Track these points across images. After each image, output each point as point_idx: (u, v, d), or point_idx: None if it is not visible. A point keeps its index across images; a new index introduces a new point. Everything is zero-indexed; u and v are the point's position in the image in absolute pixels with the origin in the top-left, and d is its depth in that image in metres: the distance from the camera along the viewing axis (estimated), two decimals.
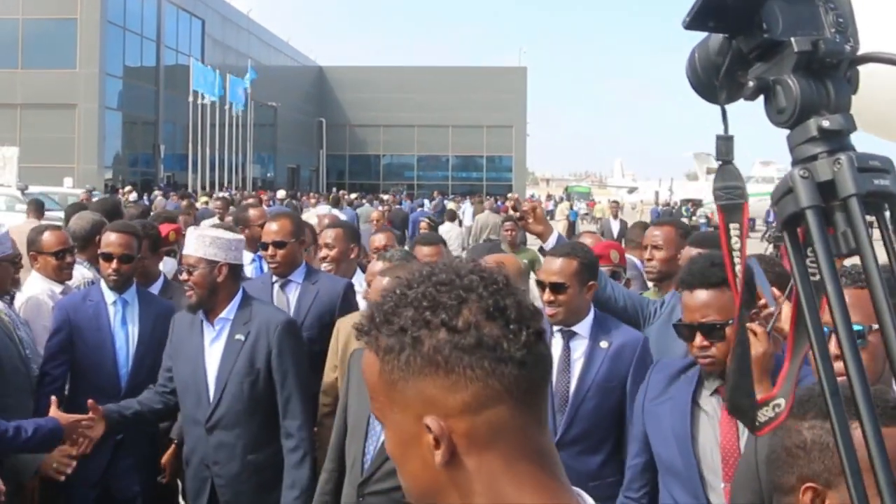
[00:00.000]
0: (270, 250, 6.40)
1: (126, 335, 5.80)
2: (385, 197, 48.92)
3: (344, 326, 5.74)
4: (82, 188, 38.75)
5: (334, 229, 7.36)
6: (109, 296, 5.82)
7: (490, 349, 1.56)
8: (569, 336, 4.87)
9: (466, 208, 47.26)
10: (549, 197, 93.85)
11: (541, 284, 4.87)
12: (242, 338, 5.24)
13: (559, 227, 46.40)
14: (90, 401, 5.13)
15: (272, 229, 6.49)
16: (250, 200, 16.14)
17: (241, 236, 5.87)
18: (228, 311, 5.31)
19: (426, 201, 53.78)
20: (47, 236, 6.47)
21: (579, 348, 4.86)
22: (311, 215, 13.83)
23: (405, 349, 1.58)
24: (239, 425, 5.22)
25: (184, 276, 5.25)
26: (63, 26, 53.13)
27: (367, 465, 4.37)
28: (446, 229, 23.40)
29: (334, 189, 49.26)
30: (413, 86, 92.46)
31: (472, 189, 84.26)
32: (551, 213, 56.34)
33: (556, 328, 4.88)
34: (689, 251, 5.37)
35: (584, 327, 4.90)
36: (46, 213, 26.68)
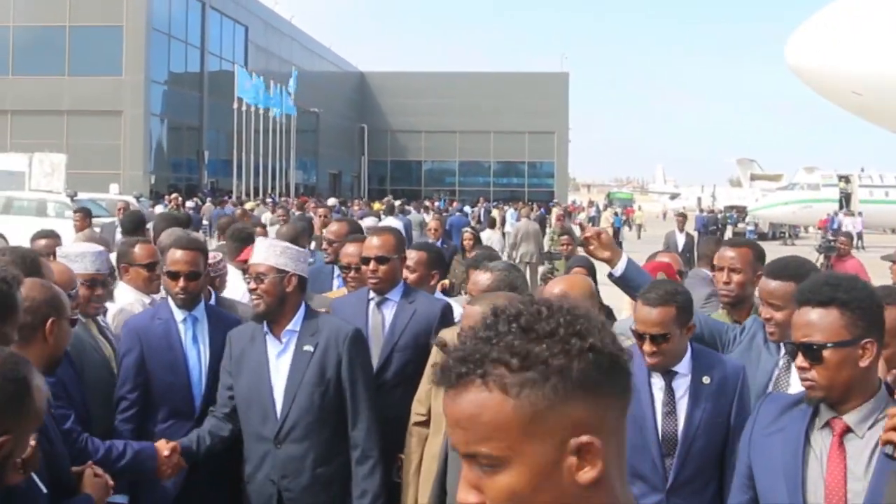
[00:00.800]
0: (372, 265, 6.09)
1: (198, 354, 5.65)
2: (428, 204, 48.85)
3: (447, 337, 5.43)
4: (128, 194, 39.07)
5: (417, 252, 6.97)
6: (178, 314, 5.65)
7: (623, 369, 1.70)
8: (670, 377, 4.71)
9: (509, 214, 47.29)
10: (590, 203, 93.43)
11: (639, 336, 4.63)
12: (311, 349, 5.18)
13: None
14: (168, 443, 5.07)
15: (374, 244, 6.18)
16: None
17: (307, 250, 5.75)
18: (294, 323, 5.23)
19: (467, 207, 53.84)
20: (139, 249, 6.39)
21: (682, 387, 4.70)
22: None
23: (550, 378, 1.64)
24: (309, 437, 5.15)
25: (252, 284, 5.20)
26: (109, 34, 53.68)
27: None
28: (486, 236, 23.43)
29: (389, 196, 49.13)
30: (455, 92, 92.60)
31: (514, 195, 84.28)
32: (595, 220, 56.13)
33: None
34: (767, 283, 5.02)
35: (684, 365, 4.73)
36: (94, 219, 27.17)
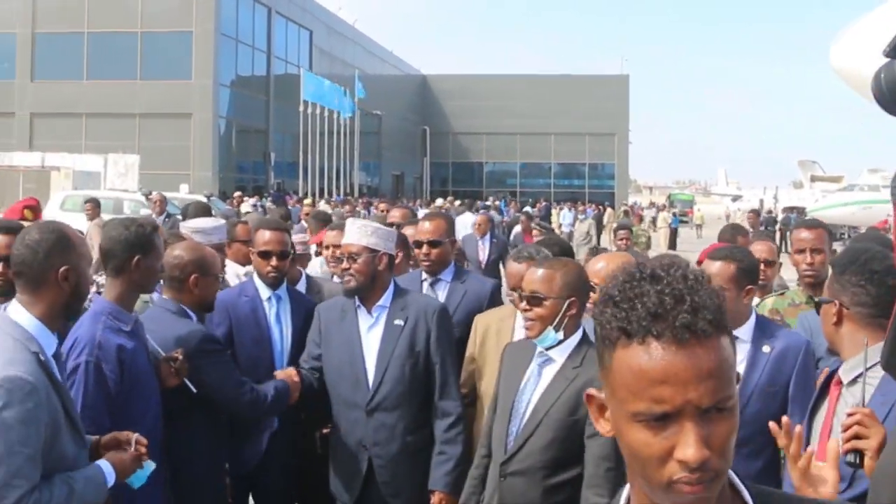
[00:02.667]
0: (425, 248, 6.46)
1: (280, 331, 5.90)
2: (489, 203, 49.46)
3: (482, 321, 5.88)
4: (198, 194, 40.20)
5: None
6: (264, 291, 5.92)
7: None
8: None
9: (565, 214, 47.98)
10: (651, 204, 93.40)
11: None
12: (402, 323, 5.40)
13: (661, 234, 46.75)
14: (295, 370, 5.57)
15: (427, 228, 6.55)
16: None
17: (394, 230, 5.99)
18: (385, 300, 5.47)
19: (528, 208, 54.48)
20: (240, 228, 7.53)
21: (741, 352, 4.72)
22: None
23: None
24: (400, 407, 5.37)
25: (345, 263, 5.41)
26: (179, 39, 54.67)
27: (511, 445, 4.49)
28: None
29: (468, 200, 49.54)
30: (515, 94, 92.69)
31: (574, 196, 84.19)
32: (653, 221, 56.44)
33: None
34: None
35: (745, 331, 4.83)
36: (170, 217, 28.30)
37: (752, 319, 4.92)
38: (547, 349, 4.53)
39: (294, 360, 5.80)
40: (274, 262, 5.88)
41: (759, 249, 6.77)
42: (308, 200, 36.79)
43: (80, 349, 4.37)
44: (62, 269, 3.79)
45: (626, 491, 1.92)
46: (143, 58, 55.82)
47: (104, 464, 3.88)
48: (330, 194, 54.84)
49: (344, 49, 76.71)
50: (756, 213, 25.34)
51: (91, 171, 38.24)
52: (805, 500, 2.41)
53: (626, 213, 44.97)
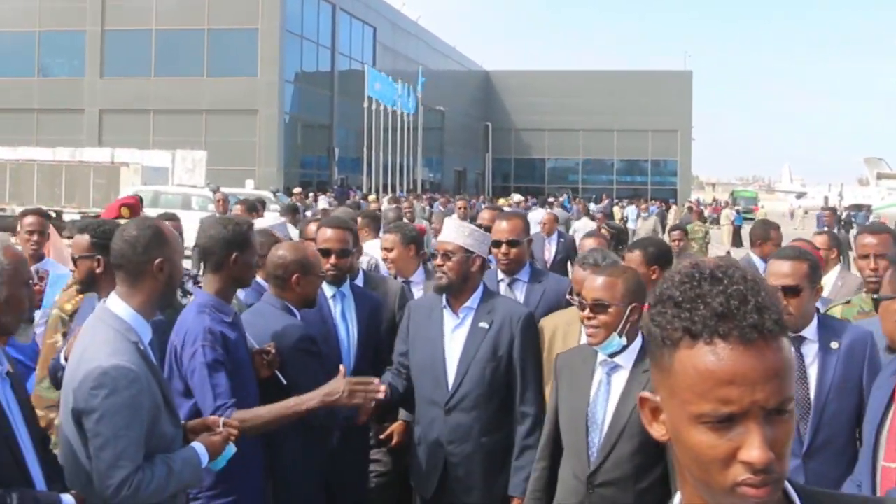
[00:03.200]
0: (503, 248, 6.41)
1: (346, 328, 5.92)
2: (552, 200, 49.43)
3: (549, 324, 5.79)
4: (263, 189, 40.59)
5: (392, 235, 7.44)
6: (328, 289, 5.90)
7: None
8: (799, 342, 4.73)
9: (631, 211, 47.78)
10: (714, 201, 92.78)
11: None
12: (487, 326, 5.41)
13: (724, 231, 46.41)
14: (381, 384, 5.18)
15: (504, 227, 6.48)
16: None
17: (489, 234, 5.98)
18: (473, 301, 5.49)
19: (591, 204, 54.37)
20: (312, 225, 7.64)
21: (811, 353, 4.74)
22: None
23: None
24: (477, 408, 5.40)
25: (438, 261, 5.44)
26: (245, 36, 55.34)
27: (595, 457, 4.44)
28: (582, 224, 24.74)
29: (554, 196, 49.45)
30: (578, 90, 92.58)
31: (637, 193, 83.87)
32: (716, 219, 55.98)
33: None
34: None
35: (811, 331, 4.79)
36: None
37: (815, 318, 4.86)
38: (611, 356, 4.51)
39: (360, 356, 5.86)
40: (333, 259, 5.86)
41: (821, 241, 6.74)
42: (372, 197, 37.06)
43: (193, 338, 4.60)
44: (157, 261, 3.99)
45: (677, 499, 1.90)
46: (210, 54, 56.57)
47: (198, 446, 4.09)
48: (393, 190, 55.08)
49: (407, 45, 77.15)
50: (833, 210, 24.91)
51: (159, 166, 38.69)
52: (855, 499, 2.38)
53: (689, 209, 44.75)
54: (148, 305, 4.03)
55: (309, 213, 28.82)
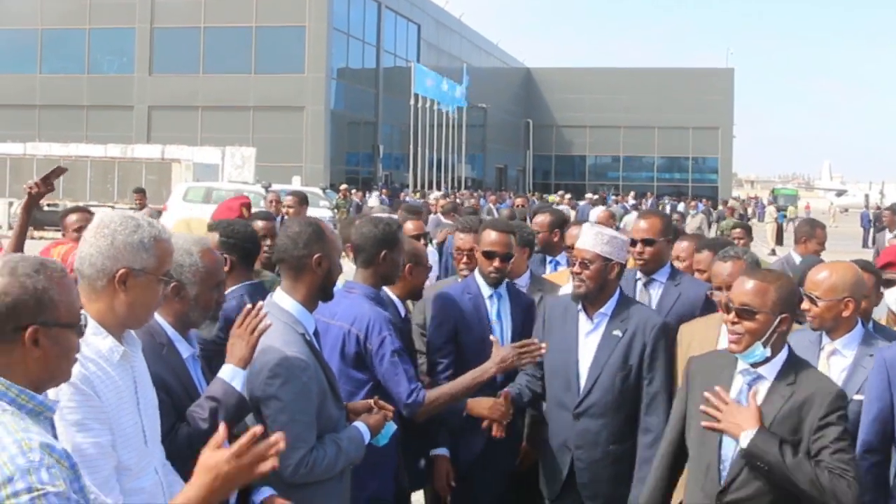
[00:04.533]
0: (639, 247, 6.33)
1: (501, 328, 5.98)
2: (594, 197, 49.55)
3: (687, 331, 5.68)
4: (312, 186, 41.00)
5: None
6: (486, 290, 5.98)
7: None
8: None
9: (675, 208, 47.83)
10: (755, 198, 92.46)
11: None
12: (620, 333, 5.41)
13: (768, 229, 46.32)
14: (506, 391, 5.53)
15: (642, 226, 6.41)
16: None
17: (627, 238, 5.89)
18: (607, 307, 5.48)
19: (633, 201, 54.42)
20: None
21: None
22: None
23: None
24: (606, 415, 5.41)
25: (576, 268, 5.44)
26: (292, 34, 55.77)
27: (725, 473, 4.27)
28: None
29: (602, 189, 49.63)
30: (619, 87, 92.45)
31: (678, 190, 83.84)
32: (760, 215, 55.77)
33: None
34: None
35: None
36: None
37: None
38: (753, 366, 4.29)
39: None
40: (497, 262, 5.90)
41: None
42: (438, 194, 37.30)
43: (378, 327, 5.05)
44: (316, 256, 4.37)
45: None
46: (258, 52, 56.99)
47: (360, 425, 4.49)
48: (438, 187, 55.34)
49: (451, 42, 77.40)
50: (892, 210, 24.71)
51: (209, 163, 39.13)
52: None
53: (727, 206, 44.76)
54: (310, 298, 4.43)
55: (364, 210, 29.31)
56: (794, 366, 4.28)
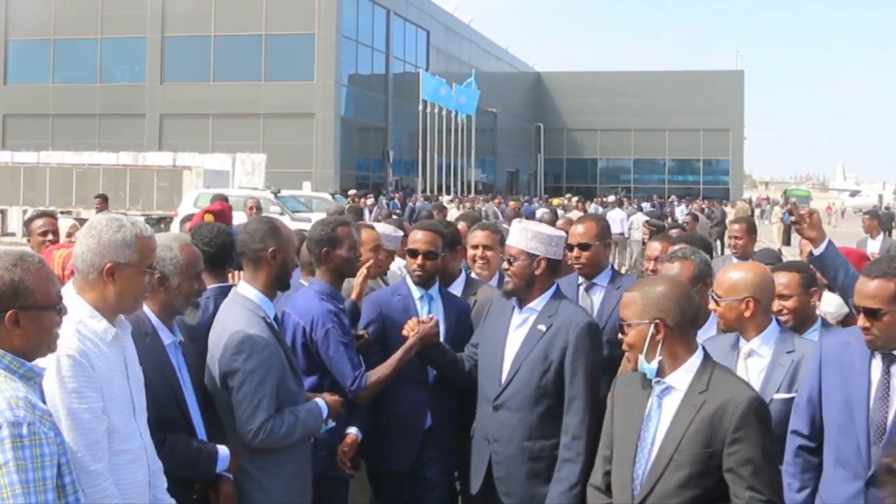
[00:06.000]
0: (575, 252, 6.33)
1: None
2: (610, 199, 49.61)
3: None
4: (322, 191, 41.38)
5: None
6: (416, 291, 6.05)
7: None
8: (890, 360, 4.36)
9: (682, 210, 48.01)
10: (766, 199, 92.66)
11: (857, 310, 4.40)
12: (544, 328, 5.37)
13: (774, 230, 46.29)
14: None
15: (578, 231, 6.43)
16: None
17: (563, 233, 5.80)
18: (538, 303, 5.45)
19: (645, 203, 54.60)
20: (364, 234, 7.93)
21: None
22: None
23: None
24: (523, 409, 5.36)
25: (504, 265, 5.51)
26: (302, 41, 56.08)
27: (638, 491, 4.20)
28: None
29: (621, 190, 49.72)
30: (629, 90, 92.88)
31: (689, 192, 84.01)
32: (766, 214, 55.66)
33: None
34: None
35: None
36: (295, 213, 29.33)
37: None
38: (657, 379, 4.24)
39: None
40: (419, 260, 6.01)
41: None
42: (448, 198, 37.45)
43: (322, 320, 5.50)
44: (271, 249, 4.95)
45: None
46: (268, 60, 57.48)
47: (320, 401, 5.08)
48: (448, 191, 55.58)
49: (460, 48, 77.73)
50: (874, 215, 24.80)
51: (220, 169, 39.42)
52: None
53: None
54: (269, 287, 5.00)
55: (373, 215, 29.57)
56: (707, 372, 4.19)
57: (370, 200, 37.24)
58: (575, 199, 43.91)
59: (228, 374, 4.71)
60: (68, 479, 3.28)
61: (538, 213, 20.81)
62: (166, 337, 4.53)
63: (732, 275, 5.02)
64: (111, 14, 58.88)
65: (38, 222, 8.52)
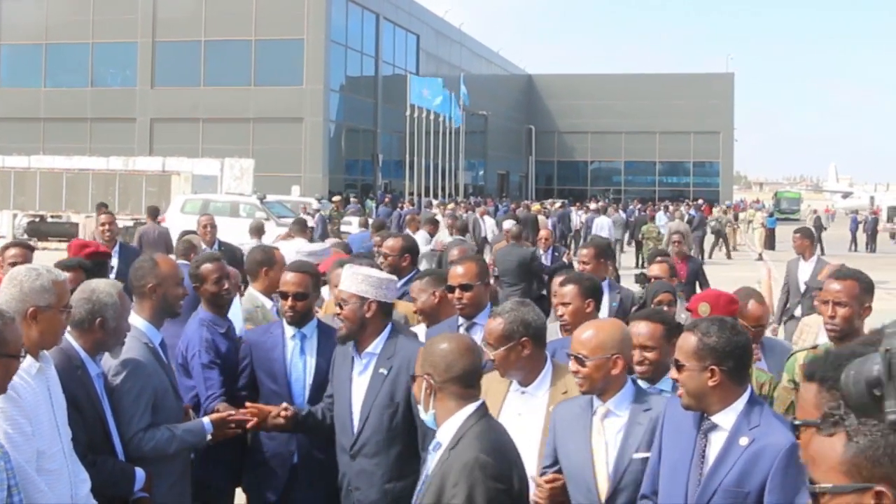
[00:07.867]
0: (457, 293, 6.31)
1: (304, 367, 6.17)
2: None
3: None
4: (310, 196, 41.76)
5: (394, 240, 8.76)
6: (289, 330, 6.17)
7: None
8: (708, 427, 4.44)
9: (659, 216, 48.20)
10: (756, 201, 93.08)
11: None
12: (385, 371, 5.42)
13: (756, 235, 46.37)
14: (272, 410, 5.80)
15: (458, 272, 6.38)
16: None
17: (394, 277, 6.08)
18: (375, 346, 5.51)
19: (631, 207, 54.96)
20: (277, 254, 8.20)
21: None
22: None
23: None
24: (379, 454, 5.41)
25: (336, 309, 5.62)
26: (291, 46, 56.43)
27: None
28: (598, 222, 28.22)
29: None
30: (620, 93, 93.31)
31: (680, 194, 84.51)
32: (735, 216, 55.62)
33: None
34: None
35: None
36: (280, 219, 29.64)
37: None
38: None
39: (315, 396, 6.04)
40: (290, 301, 6.11)
41: None
42: (437, 201, 37.46)
43: (194, 345, 6.21)
44: (150, 285, 5.56)
45: None
46: (257, 64, 57.84)
47: (206, 419, 5.62)
48: (436, 195, 55.90)
49: (450, 52, 78.15)
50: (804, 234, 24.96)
51: (208, 174, 39.63)
52: None
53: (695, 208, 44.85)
54: (154, 317, 5.58)
55: (357, 220, 29.77)
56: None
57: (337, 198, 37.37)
58: (558, 203, 44.20)
59: (113, 390, 5.20)
60: (17, 499, 3.91)
61: (505, 225, 19.26)
62: (93, 369, 5.05)
63: (596, 333, 4.76)
64: (103, 19, 59.23)
65: (11, 251, 8.62)
